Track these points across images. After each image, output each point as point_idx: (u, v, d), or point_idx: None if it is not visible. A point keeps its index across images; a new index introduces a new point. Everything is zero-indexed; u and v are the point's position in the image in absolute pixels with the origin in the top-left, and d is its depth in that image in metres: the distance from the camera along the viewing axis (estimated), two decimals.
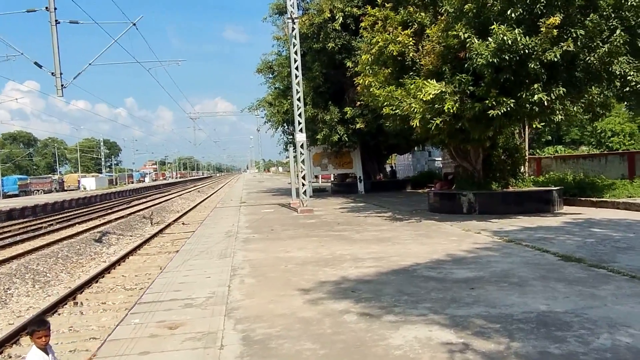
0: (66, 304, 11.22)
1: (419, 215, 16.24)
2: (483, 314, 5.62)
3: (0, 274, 13.93)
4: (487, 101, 12.55)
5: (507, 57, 11.89)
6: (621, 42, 11.78)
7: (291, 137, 27.60)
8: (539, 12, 11.97)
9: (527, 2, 11.89)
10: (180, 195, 53.68)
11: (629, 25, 12.38)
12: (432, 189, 21.17)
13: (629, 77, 12.84)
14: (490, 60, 11.87)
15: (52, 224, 27.55)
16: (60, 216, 33.17)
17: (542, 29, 11.71)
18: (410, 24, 15.14)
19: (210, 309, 6.35)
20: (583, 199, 16.92)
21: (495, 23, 11.94)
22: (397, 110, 14.11)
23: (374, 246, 10.65)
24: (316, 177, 47.15)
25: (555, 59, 11.86)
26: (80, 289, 12.38)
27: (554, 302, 5.97)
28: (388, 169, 41.63)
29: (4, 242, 20.47)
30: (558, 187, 16.62)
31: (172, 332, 5.54)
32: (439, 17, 14.39)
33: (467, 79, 12.85)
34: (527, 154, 22.25)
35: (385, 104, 14.50)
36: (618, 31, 11.86)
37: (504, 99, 12.40)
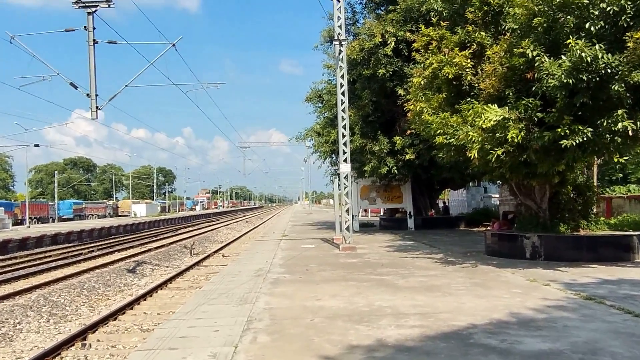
0: (73, 345, 10.06)
1: (474, 258, 14.40)
2: None
3: (17, 305, 13.03)
4: (558, 129, 10.71)
5: (584, 78, 10.09)
6: None
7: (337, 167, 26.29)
8: (624, 25, 10.18)
9: (610, 13, 10.06)
10: (227, 225, 53.15)
11: None
12: (489, 228, 19.21)
13: None
14: (564, 81, 10.09)
15: (92, 251, 27.09)
16: (103, 242, 32.90)
17: (628, 44, 9.88)
18: (468, 44, 13.55)
19: None
20: None
21: (570, 37, 10.20)
22: (452, 140, 12.44)
23: (420, 296, 8.98)
24: (365, 211, 45.45)
25: None
26: (94, 327, 11.24)
27: None
28: (440, 204, 39.57)
29: (35, 269, 19.88)
30: (638, 232, 14.41)
31: None
32: (501, 36, 12.79)
33: (535, 103, 11.10)
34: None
35: (439, 132, 12.88)
36: None
37: (580, 127, 10.56)
